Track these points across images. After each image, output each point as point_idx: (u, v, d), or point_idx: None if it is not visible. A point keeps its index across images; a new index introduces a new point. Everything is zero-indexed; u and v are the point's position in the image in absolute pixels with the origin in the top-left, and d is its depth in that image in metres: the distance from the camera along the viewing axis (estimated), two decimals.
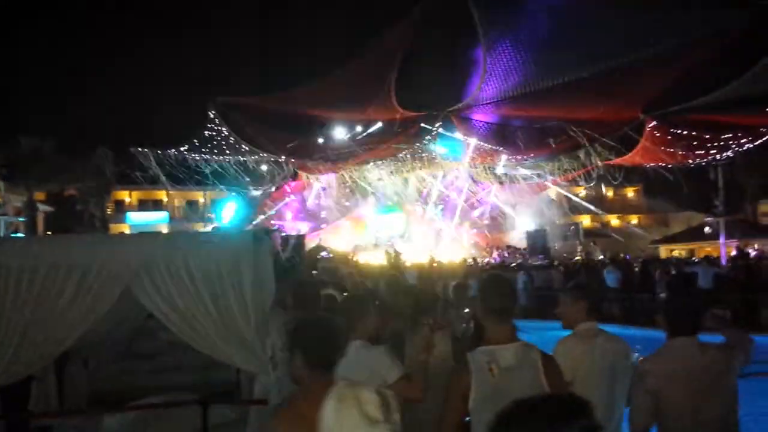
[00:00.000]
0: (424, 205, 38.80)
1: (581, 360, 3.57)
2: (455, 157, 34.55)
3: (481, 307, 3.06)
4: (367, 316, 3.70)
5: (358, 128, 31.80)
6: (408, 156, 34.23)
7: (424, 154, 34.14)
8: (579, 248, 34.58)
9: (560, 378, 2.93)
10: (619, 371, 3.65)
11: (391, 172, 37.02)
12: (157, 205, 46.81)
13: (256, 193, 37.25)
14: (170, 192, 43.62)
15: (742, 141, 27.41)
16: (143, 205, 46.89)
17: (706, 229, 34.56)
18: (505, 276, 3.69)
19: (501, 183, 37.14)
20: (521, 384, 2.71)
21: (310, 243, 30.80)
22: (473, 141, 31.94)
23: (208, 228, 33.91)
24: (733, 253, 25.20)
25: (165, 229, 42.08)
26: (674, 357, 3.32)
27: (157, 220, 44.73)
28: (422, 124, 30.83)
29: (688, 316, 3.40)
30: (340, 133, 33.00)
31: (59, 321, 4.39)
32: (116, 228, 40.64)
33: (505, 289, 3.14)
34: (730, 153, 28.52)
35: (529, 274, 20.64)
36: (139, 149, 30.92)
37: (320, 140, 32.19)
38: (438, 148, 33.22)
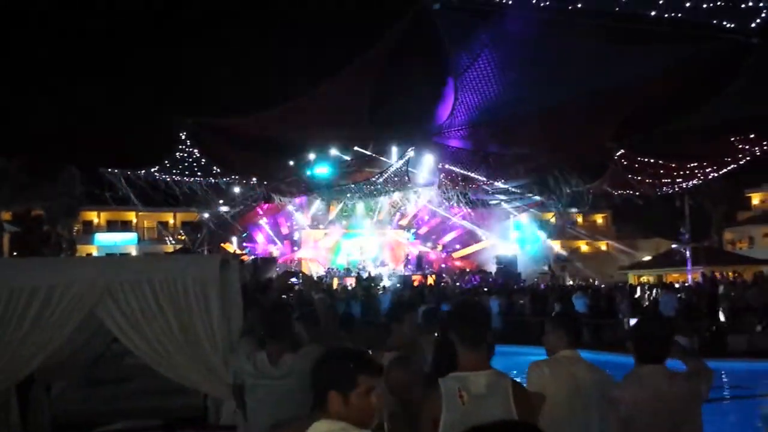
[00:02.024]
0: (396, 229, 38.85)
1: (551, 384, 3.47)
2: (427, 182, 34.70)
3: (454, 333, 3.02)
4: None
5: (333, 152, 31.78)
6: (381, 180, 34.28)
7: (396, 178, 34.23)
8: (548, 274, 34.78)
9: (530, 407, 2.91)
10: (595, 402, 3.50)
11: (365, 195, 37.00)
12: (126, 226, 46.12)
13: (227, 214, 36.91)
14: (140, 213, 43.08)
15: (707, 170, 28.01)
16: (112, 226, 46.12)
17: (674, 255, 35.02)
18: (478, 302, 3.68)
19: (473, 208, 37.33)
20: (491, 411, 2.69)
21: (282, 267, 30.56)
22: (445, 165, 32.14)
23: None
24: (699, 280, 25.59)
25: (134, 251, 41.51)
26: (643, 385, 3.25)
27: (125, 241, 44.08)
28: (395, 148, 30.98)
29: (657, 343, 3.34)
30: (312, 156, 32.97)
31: (21, 344, 4.28)
32: (84, 249, 39.96)
33: (478, 316, 3.10)
34: (695, 181, 29.11)
35: (500, 299, 20.76)
36: (109, 170, 30.55)
37: (292, 162, 32.11)
38: (410, 172, 33.34)
